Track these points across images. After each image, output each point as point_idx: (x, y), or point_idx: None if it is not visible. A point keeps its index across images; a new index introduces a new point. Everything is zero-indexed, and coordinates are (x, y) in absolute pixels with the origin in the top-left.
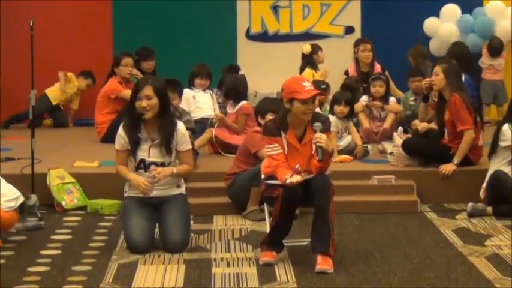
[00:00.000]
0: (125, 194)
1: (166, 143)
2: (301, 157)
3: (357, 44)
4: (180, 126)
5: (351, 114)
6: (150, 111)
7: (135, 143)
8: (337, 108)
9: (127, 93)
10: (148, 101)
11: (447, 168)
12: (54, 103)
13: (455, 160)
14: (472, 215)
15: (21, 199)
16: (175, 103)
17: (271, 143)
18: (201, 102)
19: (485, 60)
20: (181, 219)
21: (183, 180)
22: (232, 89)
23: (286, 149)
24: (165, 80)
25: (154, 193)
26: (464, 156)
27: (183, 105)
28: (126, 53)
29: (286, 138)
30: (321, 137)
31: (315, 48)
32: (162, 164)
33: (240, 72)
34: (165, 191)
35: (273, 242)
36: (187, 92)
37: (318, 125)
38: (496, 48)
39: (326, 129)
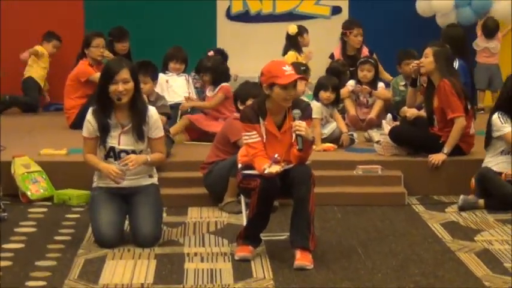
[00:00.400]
0: (94, 185)
1: (138, 129)
2: (281, 145)
3: (348, 27)
4: (153, 111)
5: (338, 101)
6: (126, 95)
7: (104, 130)
8: (323, 94)
9: (98, 76)
10: (125, 85)
11: (436, 158)
12: (41, 84)
13: (445, 149)
14: (462, 208)
15: None
16: (147, 87)
17: (248, 130)
18: (174, 87)
19: (480, 43)
20: (153, 212)
21: (155, 170)
22: (220, 71)
23: (264, 137)
24: (138, 62)
25: (125, 183)
26: (454, 146)
27: (157, 89)
28: (97, 33)
29: (264, 126)
30: (300, 125)
31: (301, 30)
32: (133, 152)
33: (209, 53)
34: (136, 181)
35: (250, 236)
36: (160, 77)
37: (297, 112)
38: (491, 29)
39: (307, 116)
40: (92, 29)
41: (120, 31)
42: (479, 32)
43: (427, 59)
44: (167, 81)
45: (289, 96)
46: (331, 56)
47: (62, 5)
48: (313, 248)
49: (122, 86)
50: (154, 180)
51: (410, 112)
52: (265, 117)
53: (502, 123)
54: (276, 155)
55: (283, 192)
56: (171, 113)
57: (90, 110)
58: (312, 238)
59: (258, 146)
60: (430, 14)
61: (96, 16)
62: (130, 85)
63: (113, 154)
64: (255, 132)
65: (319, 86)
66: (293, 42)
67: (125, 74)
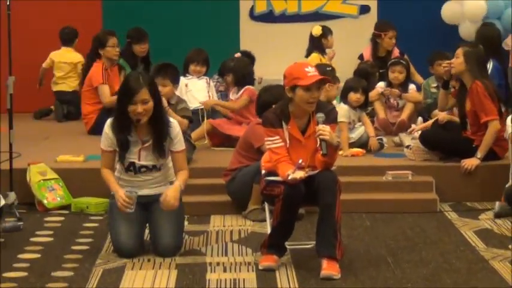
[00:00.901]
0: (112, 192)
1: (159, 146)
2: (305, 151)
3: (384, 29)
4: (174, 124)
5: (366, 104)
6: (146, 115)
7: (123, 147)
8: (352, 96)
9: (104, 90)
10: (144, 105)
11: (469, 162)
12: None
13: (479, 154)
14: (499, 215)
15: (2, 202)
16: (166, 90)
17: (271, 135)
18: (194, 91)
19: (509, 42)
20: (174, 220)
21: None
22: (246, 74)
23: (288, 141)
24: (157, 64)
25: (145, 192)
26: (488, 150)
27: (177, 93)
28: (110, 32)
29: (288, 130)
30: (324, 129)
31: (326, 32)
32: (154, 167)
33: (237, 55)
34: (157, 189)
35: (274, 244)
36: (180, 80)
37: (321, 115)
38: None
39: (332, 120)
40: (110, 27)
41: (138, 32)
42: None
43: (458, 60)
44: (186, 85)
45: (313, 98)
46: (361, 57)
47: (79, 5)
48: (340, 256)
49: (141, 107)
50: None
51: (441, 116)
52: (288, 121)
53: None
54: (300, 161)
55: (308, 199)
56: (192, 117)
57: (108, 122)
58: (338, 246)
59: (281, 151)
60: (456, 22)
61: (115, 17)
62: (150, 105)
63: (133, 168)
64: (277, 137)
65: (348, 88)
66: (316, 44)
67: (144, 94)
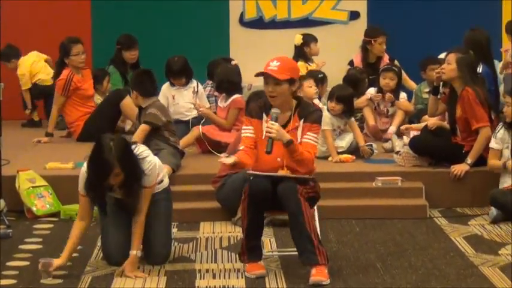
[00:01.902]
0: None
1: (132, 203)
2: (281, 146)
3: (374, 35)
4: (147, 160)
5: (349, 111)
6: (118, 185)
7: (101, 205)
8: (329, 104)
9: (58, 100)
10: (116, 178)
11: (459, 168)
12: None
13: (469, 160)
14: (495, 220)
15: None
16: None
17: (247, 124)
18: (180, 104)
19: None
20: (164, 229)
21: (165, 171)
22: (225, 80)
23: (264, 134)
24: (137, 72)
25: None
26: (478, 156)
27: (161, 98)
28: (75, 40)
29: (267, 122)
30: (271, 127)
31: (308, 40)
32: None
33: (233, 63)
34: None
35: (252, 248)
36: (167, 89)
37: (275, 111)
38: None
39: (312, 121)
40: (100, 38)
41: (128, 39)
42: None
43: (450, 66)
44: (174, 97)
45: (269, 92)
46: (351, 63)
47: (68, 6)
48: (325, 260)
49: (113, 180)
50: (165, 183)
51: (431, 122)
52: (269, 113)
53: None
54: (278, 159)
55: (278, 205)
56: (159, 124)
57: (84, 180)
58: (318, 252)
59: (247, 141)
60: None
61: (104, 23)
62: (121, 177)
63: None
64: (250, 128)
65: (328, 96)
66: (300, 53)
67: (116, 169)
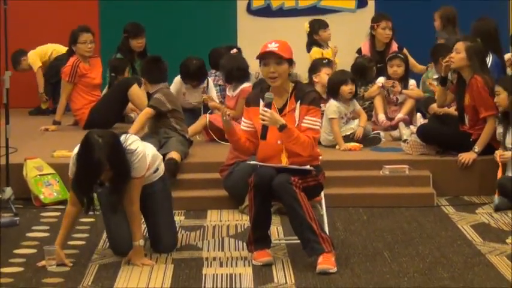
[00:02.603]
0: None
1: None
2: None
3: (376, 20)
4: (136, 151)
5: (356, 94)
6: (108, 180)
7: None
8: (345, 89)
9: (65, 87)
10: (106, 174)
11: (467, 156)
12: None
13: (476, 148)
14: (498, 208)
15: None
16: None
17: (245, 117)
18: (189, 102)
19: None
20: (168, 219)
21: (158, 162)
22: (235, 68)
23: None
24: (148, 58)
25: None
26: (485, 141)
27: (172, 89)
28: (84, 29)
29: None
30: (264, 113)
31: (315, 26)
32: None
33: (232, 51)
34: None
35: (260, 238)
36: (179, 83)
37: (268, 96)
38: None
39: (309, 102)
40: (108, 26)
41: (135, 27)
42: None
43: (459, 55)
44: (184, 95)
45: (271, 73)
46: (359, 51)
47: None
48: (330, 247)
49: (103, 176)
50: (161, 171)
51: (440, 109)
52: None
53: None
54: (278, 142)
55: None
56: (161, 109)
57: (74, 157)
58: (322, 240)
59: (244, 135)
60: None
61: (112, 12)
62: (111, 173)
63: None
64: (247, 121)
65: (337, 82)
66: (311, 40)
67: (106, 167)
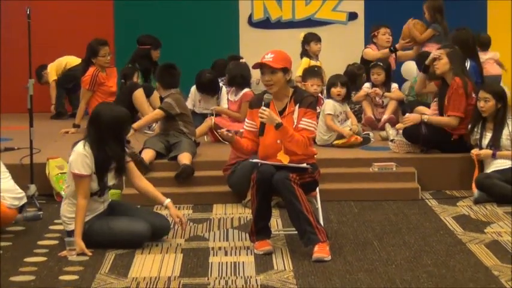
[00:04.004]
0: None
1: (120, 169)
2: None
3: (376, 28)
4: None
5: (349, 96)
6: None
7: (104, 170)
8: (334, 91)
9: (85, 94)
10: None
11: (412, 118)
12: None
13: (425, 117)
14: (477, 201)
15: (25, 200)
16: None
17: (248, 118)
18: (204, 108)
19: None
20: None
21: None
22: (238, 75)
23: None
24: (163, 65)
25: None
26: (435, 124)
27: (188, 102)
28: (103, 42)
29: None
30: (263, 112)
31: (308, 39)
32: (111, 187)
33: (242, 60)
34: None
35: (261, 229)
36: (195, 93)
37: (267, 97)
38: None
39: (307, 105)
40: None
41: (156, 40)
42: None
43: (442, 61)
44: (199, 101)
45: (265, 80)
46: (362, 60)
47: (91, 6)
48: (325, 238)
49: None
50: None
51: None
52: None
53: None
54: (278, 141)
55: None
56: (170, 112)
57: (82, 149)
58: (318, 231)
59: (247, 135)
60: None
61: (125, 22)
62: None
63: (100, 192)
64: (250, 122)
65: (330, 84)
66: (303, 50)
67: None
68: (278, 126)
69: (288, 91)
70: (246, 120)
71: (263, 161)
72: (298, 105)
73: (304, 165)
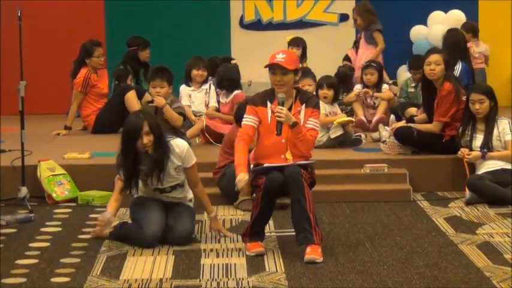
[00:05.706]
0: (135, 196)
1: (157, 175)
2: (285, 129)
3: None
4: (179, 143)
5: (336, 98)
6: (151, 145)
7: (132, 178)
8: (320, 92)
9: (77, 96)
10: (148, 137)
11: (397, 124)
12: None
13: (407, 113)
14: (469, 202)
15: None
16: (164, 91)
17: (249, 113)
18: (195, 103)
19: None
20: (189, 214)
21: (191, 196)
22: (226, 78)
23: (269, 118)
24: (155, 67)
25: (165, 199)
26: (422, 128)
27: (183, 97)
28: (97, 43)
29: (271, 108)
30: (280, 111)
31: (292, 42)
32: (178, 185)
33: (233, 62)
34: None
35: (256, 232)
36: (184, 89)
37: (281, 96)
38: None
39: (312, 105)
40: (112, 35)
41: (143, 40)
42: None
43: (439, 66)
44: (190, 96)
45: (277, 81)
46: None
47: (82, 6)
48: (320, 241)
49: (146, 138)
50: (191, 205)
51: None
52: (273, 100)
53: None
54: (283, 140)
55: (283, 190)
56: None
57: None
58: (315, 232)
59: (247, 129)
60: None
61: (116, 23)
62: (152, 136)
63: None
64: (253, 117)
65: (318, 85)
66: None
67: (146, 127)
68: (294, 125)
69: (293, 92)
70: (247, 115)
71: (271, 165)
72: (304, 105)
73: (314, 160)
